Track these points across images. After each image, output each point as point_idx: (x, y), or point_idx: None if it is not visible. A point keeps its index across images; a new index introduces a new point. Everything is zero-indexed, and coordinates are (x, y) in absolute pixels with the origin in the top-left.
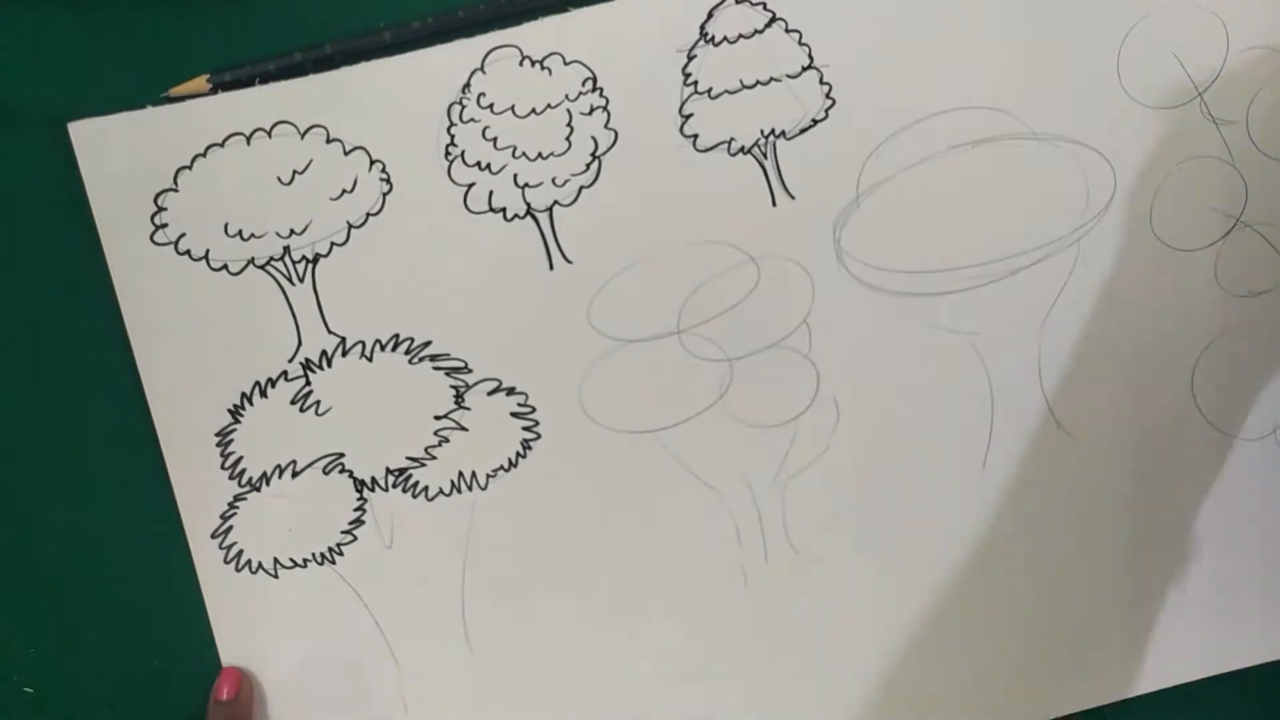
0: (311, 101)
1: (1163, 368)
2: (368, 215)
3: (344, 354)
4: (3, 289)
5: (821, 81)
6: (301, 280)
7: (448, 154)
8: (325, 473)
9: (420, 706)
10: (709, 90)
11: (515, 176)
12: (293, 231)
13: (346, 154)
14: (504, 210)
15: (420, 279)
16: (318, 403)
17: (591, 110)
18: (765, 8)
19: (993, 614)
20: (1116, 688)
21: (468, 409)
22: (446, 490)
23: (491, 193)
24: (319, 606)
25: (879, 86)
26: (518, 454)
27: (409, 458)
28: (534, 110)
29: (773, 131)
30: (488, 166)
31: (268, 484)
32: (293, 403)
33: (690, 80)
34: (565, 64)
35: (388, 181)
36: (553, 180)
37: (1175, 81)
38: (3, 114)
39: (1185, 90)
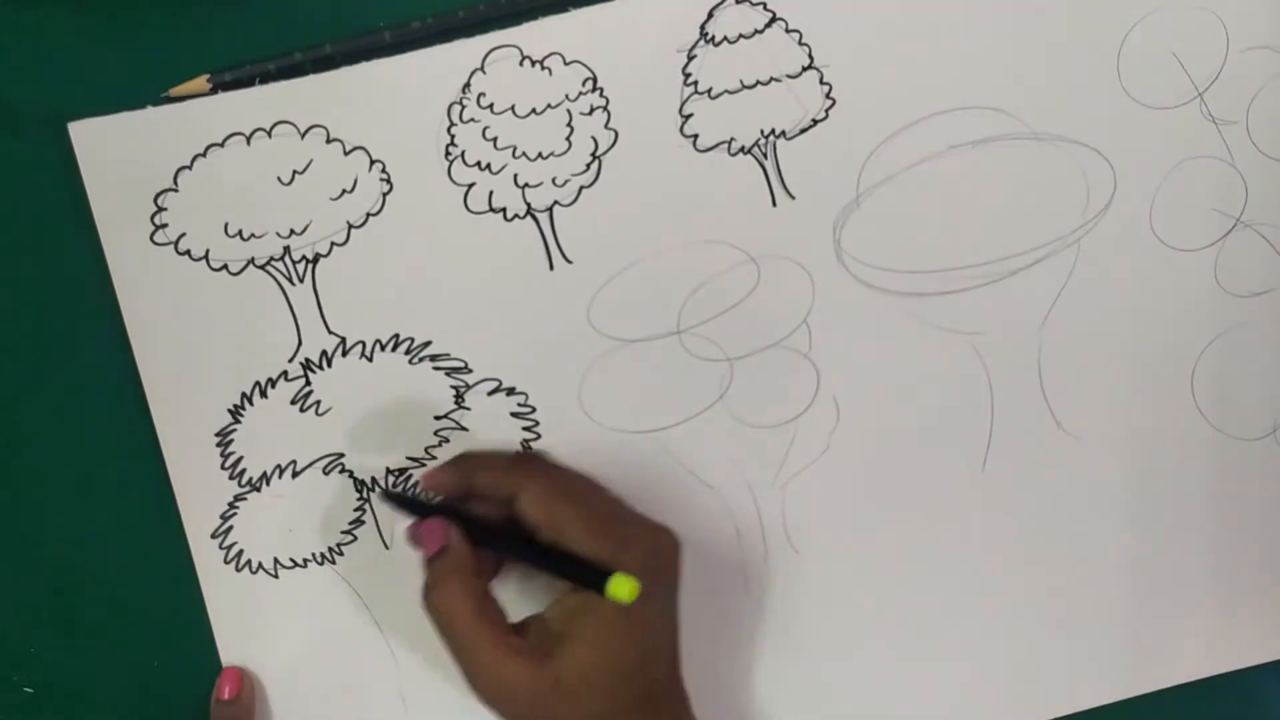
0: (311, 101)
1: (1163, 368)
2: (368, 215)
3: (344, 354)
4: (3, 289)
5: (821, 81)
6: (301, 280)
7: (448, 154)
8: (325, 473)
9: (420, 706)
10: (709, 90)
11: (515, 176)
12: (293, 231)
13: (346, 154)
14: (504, 210)
15: (420, 279)
16: (318, 403)
17: (591, 110)
18: (765, 8)
19: (993, 614)
20: (1116, 688)
21: (468, 409)
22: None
23: (491, 193)
24: (319, 606)
25: (879, 86)
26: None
27: (409, 458)
28: (534, 110)
29: (773, 131)
30: (488, 166)
31: (268, 484)
32: (293, 403)
33: (690, 80)
34: (565, 64)
35: (388, 181)
36: (553, 180)
37: (1175, 81)
38: (3, 114)
39: (1185, 90)
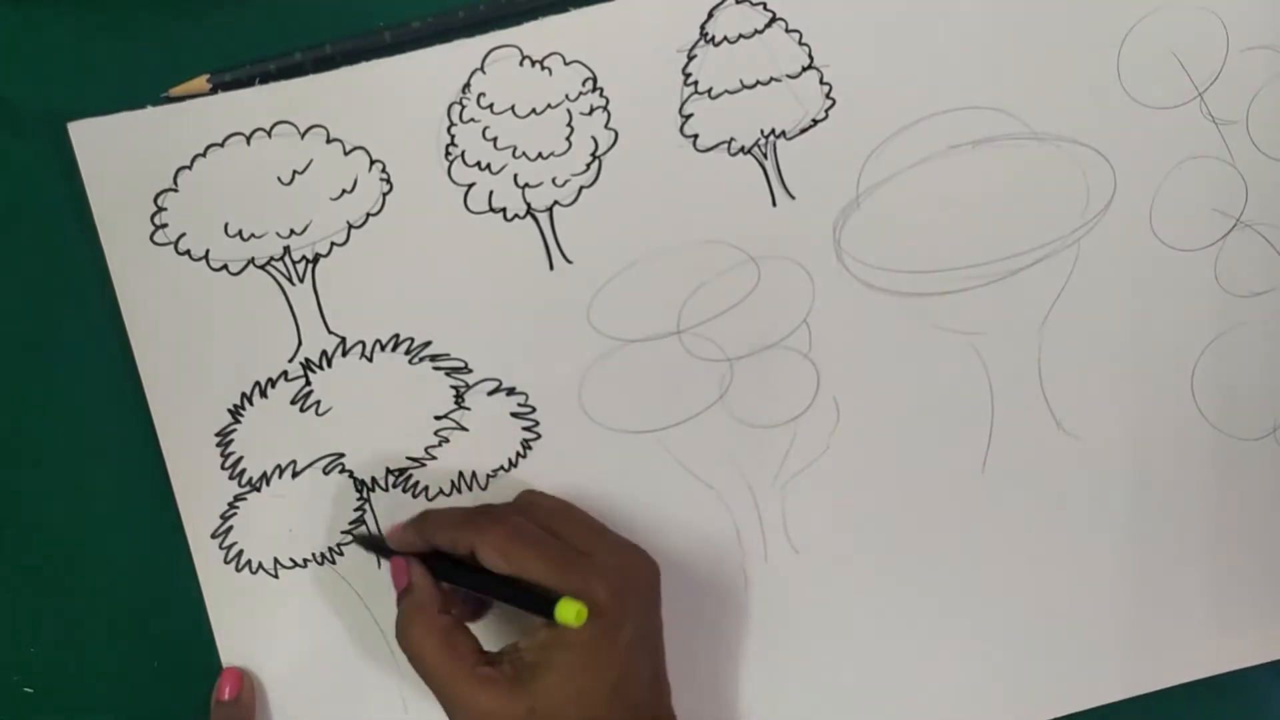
0: (311, 101)
1: (1163, 368)
2: (368, 215)
3: (344, 354)
4: (3, 289)
5: (821, 81)
6: (301, 280)
7: (448, 154)
8: (325, 473)
9: (420, 706)
10: (709, 90)
11: (515, 176)
12: (293, 231)
13: (346, 154)
14: (504, 210)
15: (420, 279)
16: (318, 403)
17: (591, 110)
18: (765, 8)
19: (992, 614)
20: (1116, 688)
21: (468, 409)
22: (446, 490)
23: (491, 193)
24: (319, 606)
25: (879, 86)
26: (518, 454)
27: (409, 458)
28: (534, 110)
29: (773, 131)
30: (488, 166)
31: (268, 484)
32: (293, 403)
33: (690, 80)
34: (565, 64)
35: (388, 181)
36: (553, 180)
37: (1175, 81)
38: (3, 114)
39: (1185, 90)
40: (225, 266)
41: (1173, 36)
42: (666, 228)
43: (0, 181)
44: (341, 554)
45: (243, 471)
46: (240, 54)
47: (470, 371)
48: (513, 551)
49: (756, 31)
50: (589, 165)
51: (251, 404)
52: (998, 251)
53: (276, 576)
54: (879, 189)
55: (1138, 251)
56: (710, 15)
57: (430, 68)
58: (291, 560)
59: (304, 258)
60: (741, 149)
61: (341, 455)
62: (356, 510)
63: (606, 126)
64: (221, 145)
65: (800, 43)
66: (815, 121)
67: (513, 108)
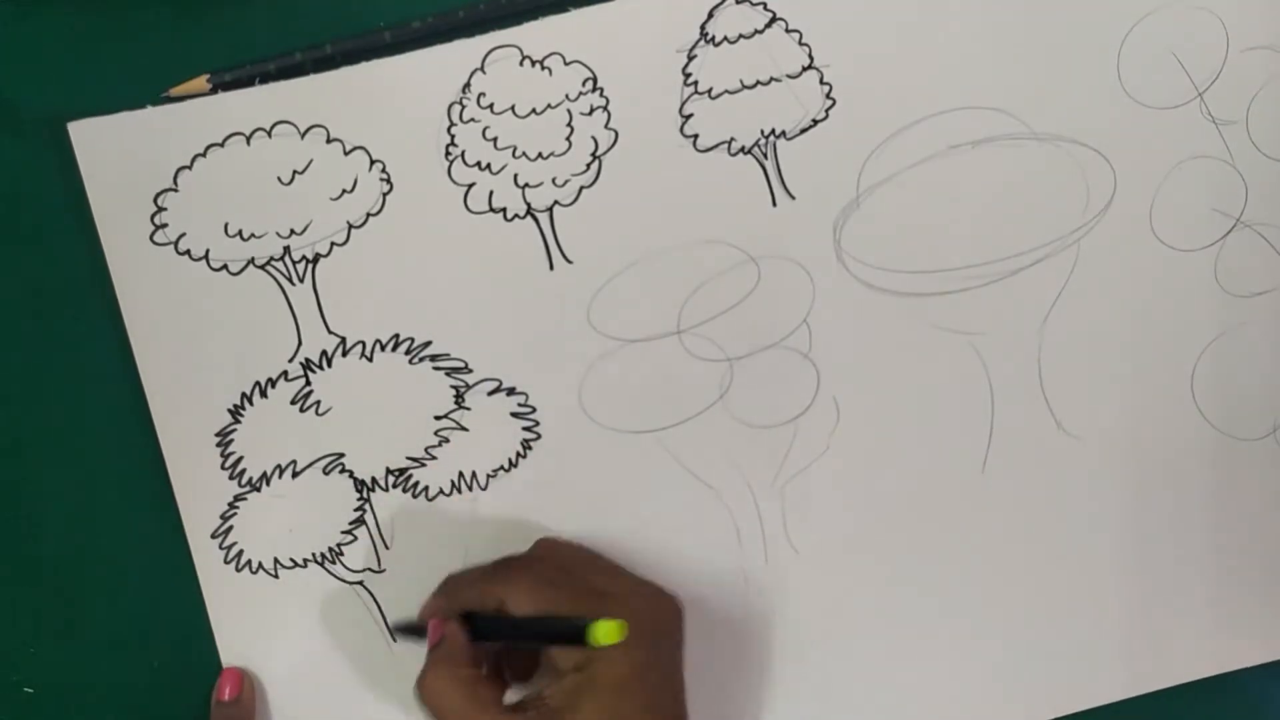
0: (311, 101)
1: (1163, 368)
2: (368, 215)
3: (344, 354)
4: (3, 289)
5: (821, 81)
6: (301, 280)
7: (448, 154)
8: (325, 473)
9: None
10: (709, 90)
11: (515, 176)
12: (293, 231)
13: (346, 154)
14: (504, 210)
15: (420, 279)
16: (318, 403)
17: (592, 110)
18: (765, 8)
19: (993, 614)
20: (1116, 688)
21: (468, 409)
22: (446, 490)
23: (491, 193)
24: (319, 606)
25: (879, 86)
26: (518, 454)
27: (409, 458)
28: (534, 110)
29: (773, 131)
30: (488, 166)
31: (268, 484)
32: (293, 403)
33: (690, 80)
34: (565, 64)
35: (388, 181)
36: (553, 180)
37: (1175, 81)
38: (3, 114)
39: (1185, 90)
40: (225, 266)
41: (1173, 36)
42: (666, 228)
43: (0, 181)
44: (341, 554)
45: (243, 471)
46: (240, 54)
47: (470, 371)
48: (539, 593)
49: (756, 31)
50: (589, 165)
51: (251, 404)
52: (998, 251)
53: (276, 576)
54: (879, 189)
55: (1138, 251)
56: (710, 15)
57: (430, 68)
58: (291, 560)
59: (304, 258)
60: (741, 149)
61: (341, 455)
62: (356, 510)
63: (606, 126)
64: (221, 145)
65: (800, 43)
66: (815, 121)
67: (513, 108)
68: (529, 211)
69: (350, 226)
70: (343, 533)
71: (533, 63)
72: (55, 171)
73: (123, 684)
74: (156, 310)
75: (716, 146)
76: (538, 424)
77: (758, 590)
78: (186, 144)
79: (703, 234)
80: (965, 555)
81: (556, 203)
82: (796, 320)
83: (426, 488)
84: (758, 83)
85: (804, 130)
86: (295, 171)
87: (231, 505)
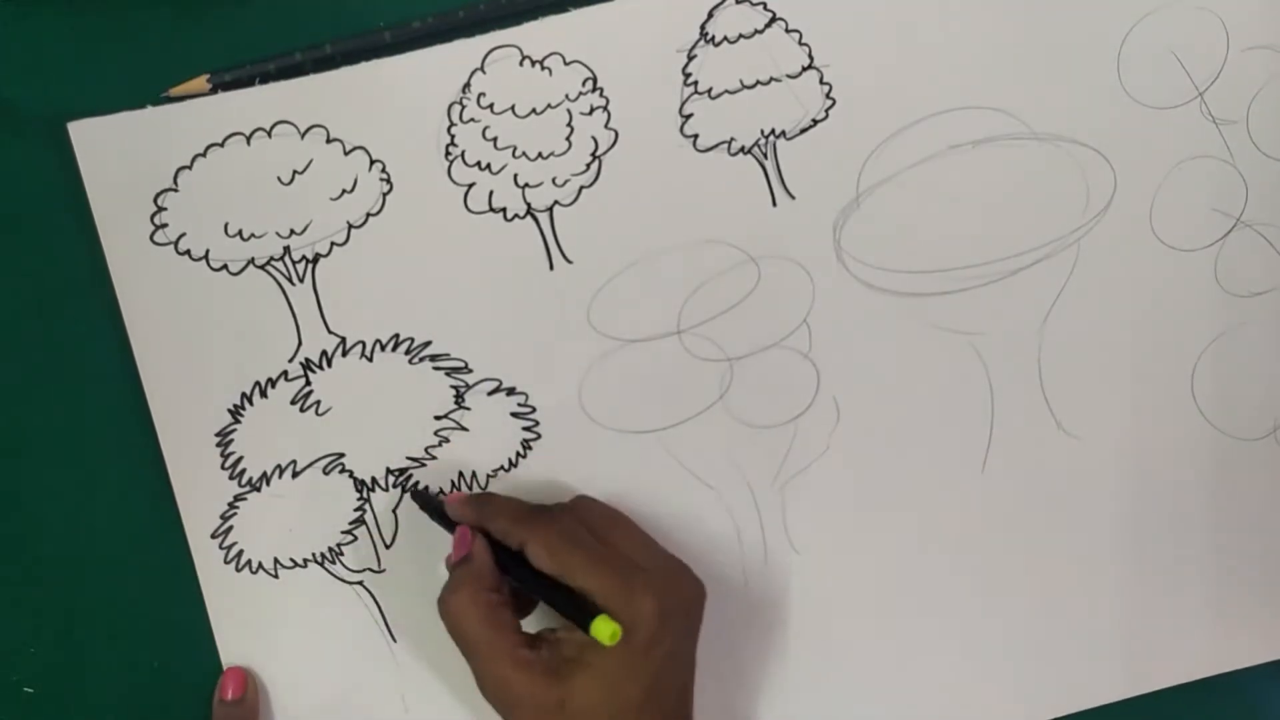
0: (311, 101)
1: (1163, 368)
2: (368, 215)
3: (344, 354)
4: (3, 289)
5: (821, 81)
6: (301, 280)
7: (448, 154)
8: (325, 473)
9: (420, 706)
10: (709, 90)
11: (515, 176)
12: (293, 231)
13: (346, 154)
14: (504, 210)
15: (420, 279)
16: (318, 403)
17: (592, 110)
18: (765, 8)
19: (992, 614)
20: (1116, 688)
21: (468, 409)
22: (446, 490)
23: (491, 193)
24: (319, 606)
25: (879, 86)
26: (518, 454)
27: (409, 458)
28: (534, 110)
29: (773, 131)
30: (488, 166)
31: (268, 484)
32: (293, 403)
33: (690, 80)
34: (565, 64)
35: (388, 181)
36: (553, 180)
37: (1175, 81)
38: (3, 114)
39: (1185, 90)
40: (225, 266)
41: (1173, 36)
42: (666, 228)
43: (0, 181)
44: (341, 554)
45: (243, 471)
46: (240, 54)
47: (470, 371)
48: (561, 553)
49: (756, 31)
50: (589, 165)
51: (251, 404)
52: (998, 251)
53: (276, 576)
54: (879, 189)
55: (1138, 251)
56: (710, 15)
57: (430, 68)
58: (291, 560)
59: (304, 258)
60: (741, 149)
61: (341, 455)
62: (356, 510)
63: (606, 126)
64: (221, 145)
65: (800, 43)
66: (815, 121)
67: (513, 108)
68: (529, 211)
69: (350, 226)
70: (343, 533)
71: (533, 63)
72: (55, 171)
73: (123, 684)
74: (156, 310)
75: (716, 146)
76: (538, 424)
77: (758, 590)
78: (186, 144)
79: (703, 234)
80: (965, 555)
81: (556, 203)
82: (796, 320)
83: (426, 488)
84: (758, 83)
85: (804, 130)
86: (295, 171)
87: (231, 505)
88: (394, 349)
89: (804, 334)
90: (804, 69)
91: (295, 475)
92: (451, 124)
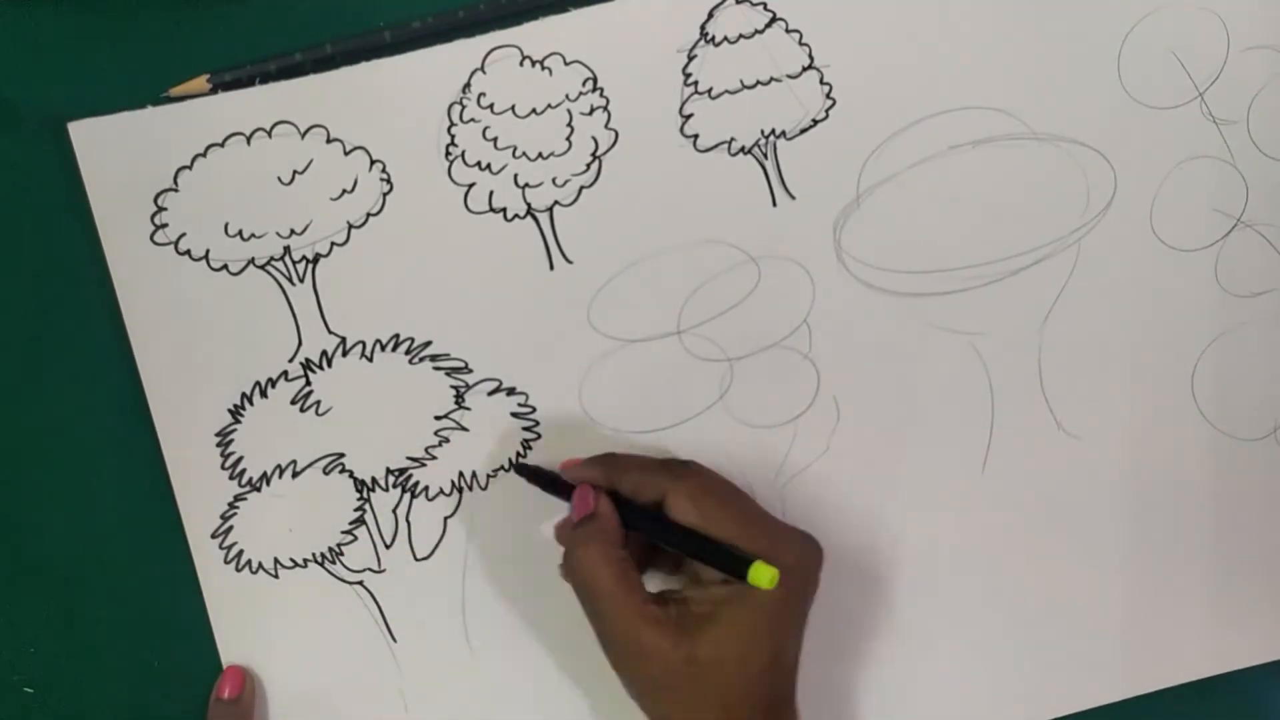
0: (311, 101)
1: (1163, 368)
2: (368, 215)
3: (344, 354)
4: (3, 289)
5: (822, 81)
6: (301, 280)
7: (448, 154)
8: (325, 473)
9: (420, 706)
10: (709, 90)
11: (515, 176)
12: (293, 231)
13: (346, 154)
14: (504, 210)
15: (420, 279)
16: (318, 403)
17: (592, 110)
18: (765, 8)
19: (992, 614)
20: (1116, 688)
21: (468, 409)
22: (446, 490)
23: (492, 193)
24: (319, 606)
25: (879, 86)
26: (518, 454)
27: (409, 458)
28: (534, 110)
29: (773, 131)
30: (488, 166)
31: (268, 484)
32: (293, 403)
33: (690, 80)
34: (565, 64)
35: (388, 181)
36: (553, 180)
37: (1175, 81)
38: (3, 114)
39: (1185, 90)
40: (225, 266)
41: (1173, 36)
42: (666, 228)
43: (0, 181)
44: (341, 554)
45: (243, 471)
46: (240, 54)
47: (470, 371)
48: (706, 505)
49: (756, 31)
50: (589, 165)
51: (251, 404)
52: (998, 251)
53: (276, 576)
54: (879, 189)
55: (1138, 251)
56: (710, 15)
57: (430, 68)
58: (291, 560)
59: (304, 258)
60: (742, 149)
61: (341, 455)
62: (356, 510)
63: (607, 126)
64: (221, 145)
65: (800, 43)
66: (815, 121)
67: (513, 108)
68: (529, 211)
69: (350, 226)
70: (343, 533)
71: (533, 63)
72: (55, 171)
73: (123, 684)
74: (156, 310)
75: (716, 146)
76: (538, 424)
77: None
78: (186, 144)
79: (703, 234)
80: (965, 555)
81: (556, 203)
82: (796, 320)
83: (426, 488)
84: (758, 83)
85: (804, 130)
86: (295, 171)
87: (231, 505)
88: (394, 349)
89: (804, 334)
90: (804, 69)
91: (295, 475)
92: (452, 124)
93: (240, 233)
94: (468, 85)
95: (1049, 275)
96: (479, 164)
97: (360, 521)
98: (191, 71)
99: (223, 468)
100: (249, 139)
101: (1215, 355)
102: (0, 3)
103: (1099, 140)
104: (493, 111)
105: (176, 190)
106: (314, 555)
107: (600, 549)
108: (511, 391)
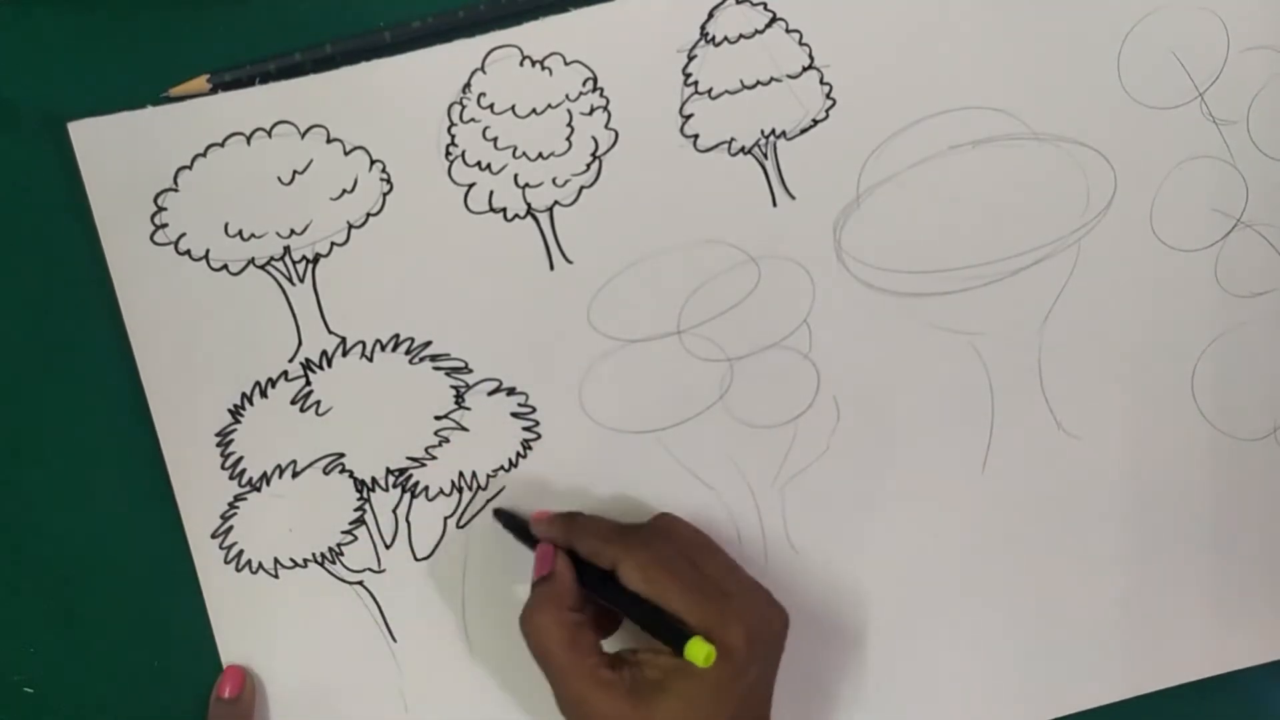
0: (311, 101)
1: (1163, 368)
2: (368, 215)
3: (344, 354)
4: (3, 289)
5: (822, 81)
6: (301, 280)
7: (448, 154)
8: (325, 473)
9: (420, 706)
10: (709, 90)
11: (516, 176)
12: (293, 231)
13: (346, 154)
14: (504, 210)
15: (420, 279)
16: (318, 403)
17: (592, 110)
18: (765, 8)
19: (993, 614)
20: (1116, 688)
21: (468, 409)
22: (446, 490)
23: (492, 193)
24: (319, 606)
25: (879, 86)
26: (518, 454)
27: (409, 458)
28: (534, 110)
29: (773, 131)
30: (488, 166)
31: (268, 484)
32: (293, 403)
33: (691, 80)
34: (565, 64)
35: (388, 181)
36: (553, 180)
37: (1175, 81)
38: (3, 114)
39: (1185, 90)
40: (225, 266)
41: (1173, 36)
42: (666, 228)
43: (0, 181)
44: (341, 554)
45: (243, 471)
46: (240, 54)
47: (470, 371)
48: (656, 577)
49: (757, 31)
50: (589, 165)
51: (251, 404)
52: (998, 251)
53: (276, 576)
54: (879, 189)
55: (1138, 251)
56: (710, 15)
57: (430, 68)
58: (291, 560)
59: (304, 258)
60: (742, 149)
61: (341, 455)
62: (356, 510)
63: (607, 126)
64: (221, 145)
65: (800, 43)
66: (815, 121)
67: (513, 108)
68: (529, 211)
69: (350, 226)
70: (343, 533)
71: (533, 63)
72: (55, 171)
73: (123, 684)
74: (156, 310)
75: (716, 146)
76: (538, 424)
77: None
78: (186, 144)
79: (703, 234)
80: (965, 555)
81: (556, 203)
82: (796, 320)
83: (426, 488)
84: (758, 83)
85: (804, 130)
86: (295, 171)
87: (231, 505)
88: (394, 349)
89: (804, 334)
90: (804, 69)
91: (295, 475)
92: (452, 124)
93: (240, 233)
94: (468, 85)
95: (1049, 275)
96: (479, 164)
97: (360, 521)
98: (191, 71)
99: (223, 468)
100: (249, 139)
101: (1215, 355)
102: (0, 3)
103: (1099, 140)
104: (493, 111)
105: (176, 190)
106: (314, 555)
107: (553, 612)
108: (511, 391)
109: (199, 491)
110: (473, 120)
